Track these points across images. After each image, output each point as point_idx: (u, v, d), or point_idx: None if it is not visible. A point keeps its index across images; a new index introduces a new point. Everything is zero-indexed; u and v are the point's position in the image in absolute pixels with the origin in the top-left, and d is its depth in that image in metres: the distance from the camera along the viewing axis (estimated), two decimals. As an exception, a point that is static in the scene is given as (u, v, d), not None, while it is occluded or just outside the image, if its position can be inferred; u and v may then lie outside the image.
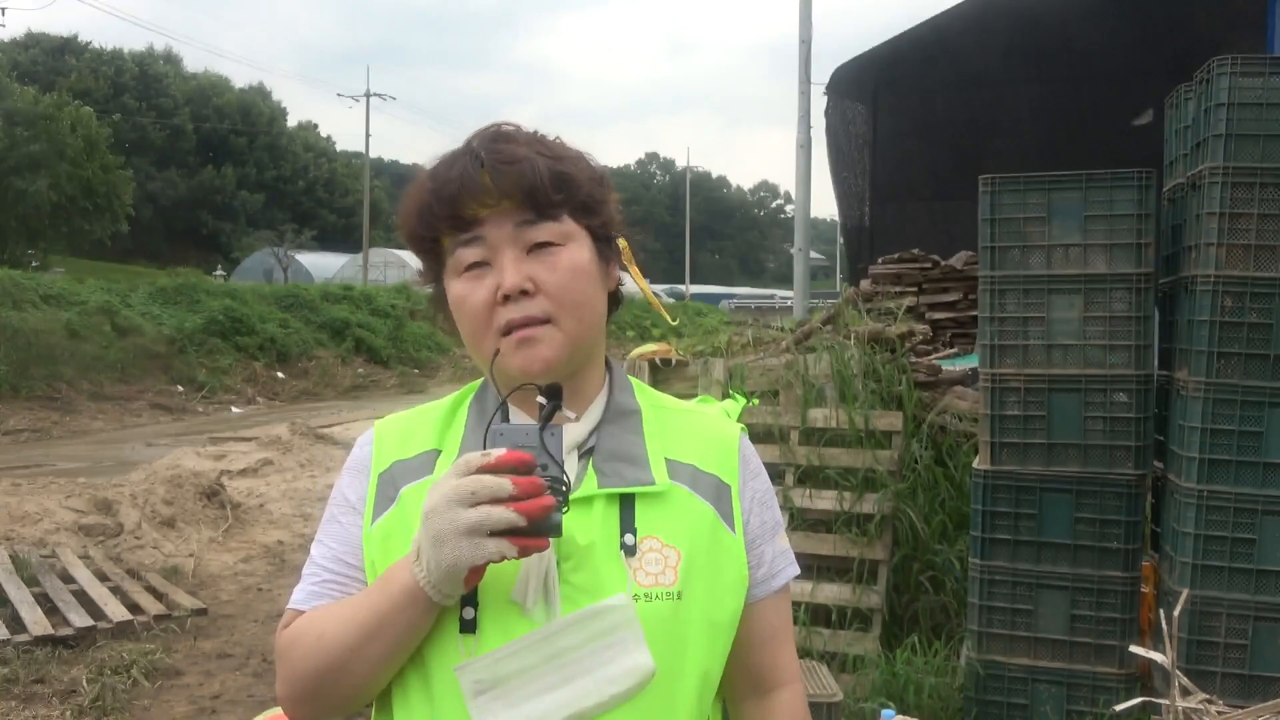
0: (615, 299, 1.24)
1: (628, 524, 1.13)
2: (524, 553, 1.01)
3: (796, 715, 1.29)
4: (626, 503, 1.14)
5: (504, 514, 0.99)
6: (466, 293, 1.14)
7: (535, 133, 1.18)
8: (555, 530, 1.01)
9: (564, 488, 1.02)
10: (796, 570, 1.30)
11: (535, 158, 1.13)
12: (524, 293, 1.12)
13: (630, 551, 1.12)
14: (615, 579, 1.10)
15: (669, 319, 1.68)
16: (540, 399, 1.07)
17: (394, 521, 1.15)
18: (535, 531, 1.00)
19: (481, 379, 1.25)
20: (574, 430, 1.16)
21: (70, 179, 29.01)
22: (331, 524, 1.21)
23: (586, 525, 1.11)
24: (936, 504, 4.67)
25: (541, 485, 1.00)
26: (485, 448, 1.03)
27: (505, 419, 1.07)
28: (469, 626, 1.09)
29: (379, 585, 1.10)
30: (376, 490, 1.19)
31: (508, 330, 1.12)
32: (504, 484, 0.99)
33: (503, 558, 1.01)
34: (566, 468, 1.06)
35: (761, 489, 1.27)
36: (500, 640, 1.08)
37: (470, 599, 1.08)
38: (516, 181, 1.12)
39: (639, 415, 1.22)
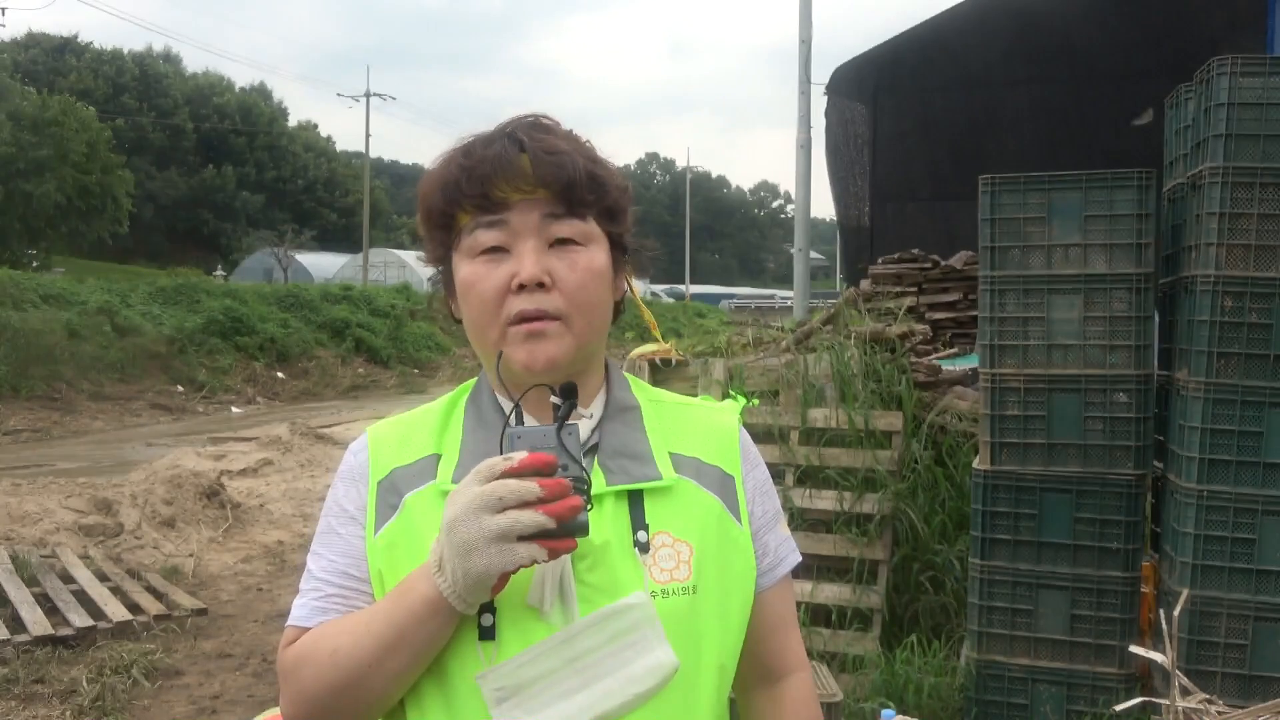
0: (619, 309, 1.23)
1: (638, 521, 1.12)
2: (553, 555, 0.99)
3: (806, 700, 1.30)
4: (635, 499, 1.13)
5: (533, 517, 0.97)
6: (479, 276, 1.12)
7: (570, 131, 1.18)
8: (583, 530, 1.00)
9: (586, 487, 1.01)
10: (798, 558, 1.31)
11: (575, 153, 1.13)
12: (540, 285, 1.10)
13: (644, 548, 1.11)
14: (631, 577, 1.09)
15: (658, 335, 1.70)
16: (554, 399, 1.06)
17: (399, 530, 1.13)
18: (564, 533, 0.99)
19: (474, 380, 1.24)
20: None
21: (73, 182, 29.03)
22: (329, 535, 1.17)
23: (599, 524, 1.09)
24: (936, 504, 4.67)
25: (567, 486, 0.99)
26: (502, 451, 1.02)
27: (519, 421, 1.05)
28: (488, 633, 1.07)
29: (395, 597, 1.07)
30: (377, 498, 1.15)
31: (518, 320, 1.10)
32: (531, 487, 0.97)
33: (533, 562, 0.99)
34: None
35: (761, 478, 1.27)
36: (520, 645, 1.06)
37: (488, 605, 1.06)
38: (556, 173, 1.11)
39: (639, 410, 1.21)
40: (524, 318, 1.10)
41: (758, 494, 1.25)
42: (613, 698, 1.06)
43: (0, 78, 29.84)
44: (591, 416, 1.17)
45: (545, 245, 1.12)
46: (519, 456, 0.99)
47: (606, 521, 1.10)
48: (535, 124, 1.15)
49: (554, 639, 1.06)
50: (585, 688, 1.06)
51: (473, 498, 0.99)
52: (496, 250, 1.12)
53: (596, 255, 1.14)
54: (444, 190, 1.13)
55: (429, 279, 1.26)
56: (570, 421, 1.04)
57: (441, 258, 1.19)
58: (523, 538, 0.98)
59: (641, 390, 1.26)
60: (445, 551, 1.01)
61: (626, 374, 1.28)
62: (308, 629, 1.13)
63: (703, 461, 1.20)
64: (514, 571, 1.01)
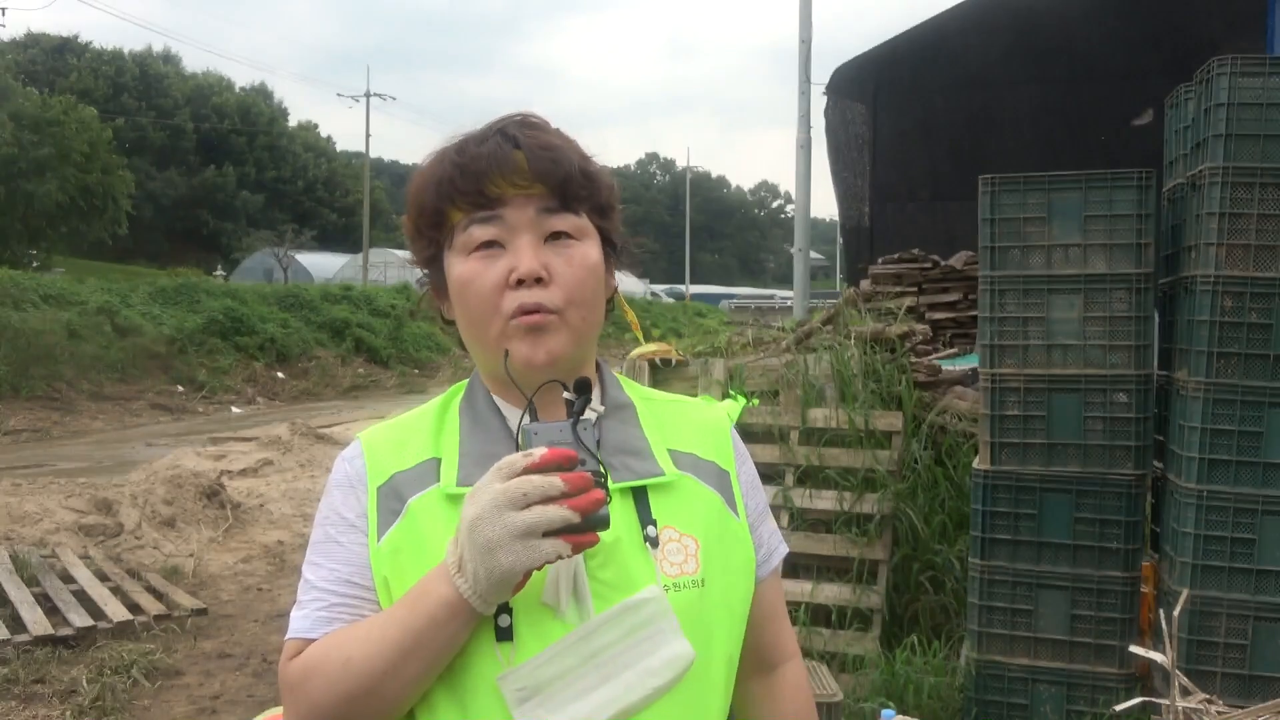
0: (609, 306, 1.24)
1: (645, 516, 1.13)
2: (577, 549, 0.99)
3: (800, 687, 1.32)
4: (640, 495, 1.14)
5: (559, 512, 0.96)
6: (475, 273, 1.11)
7: (559, 129, 1.18)
8: (604, 524, 0.99)
9: (604, 480, 1.01)
10: (786, 548, 1.33)
11: (568, 149, 1.14)
12: (538, 280, 1.10)
13: (654, 543, 1.12)
14: (643, 572, 1.10)
15: (639, 335, 1.70)
16: (568, 394, 1.07)
17: (403, 535, 1.11)
18: (587, 526, 0.98)
19: (464, 382, 1.24)
20: None
21: (75, 182, 29.03)
22: (329, 544, 1.15)
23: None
24: (936, 504, 4.67)
25: (590, 479, 0.98)
26: (519, 448, 1.01)
27: (534, 418, 1.04)
28: (506, 634, 1.06)
29: (409, 602, 1.05)
30: (378, 503, 1.14)
31: (517, 315, 1.10)
32: (554, 482, 0.97)
33: (558, 557, 0.98)
34: None
35: (751, 472, 1.30)
36: (538, 645, 1.06)
37: (504, 606, 1.05)
38: (552, 168, 1.11)
39: (634, 408, 1.22)
40: (524, 311, 1.10)
41: (750, 488, 1.27)
42: (632, 692, 1.07)
43: (2, 78, 29.81)
44: (598, 413, 1.17)
45: (541, 240, 1.12)
46: (539, 452, 0.99)
47: (615, 518, 1.10)
48: (526, 122, 1.16)
49: (572, 637, 1.06)
50: (605, 683, 1.06)
51: (495, 495, 0.98)
52: (491, 245, 1.12)
53: (591, 250, 1.15)
54: (437, 187, 1.13)
55: (417, 280, 1.25)
56: (584, 416, 1.04)
57: (431, 258, 1.18)
58: (547, 533, 0.97)
59: (632, 388, 1.27)
60: (466, 551, 1.00)
61: (617, 373, 1.29)
62: (312, 640, 1.11)
63: (699, 457, 1.21)
64: (539, 568, 1.00)
